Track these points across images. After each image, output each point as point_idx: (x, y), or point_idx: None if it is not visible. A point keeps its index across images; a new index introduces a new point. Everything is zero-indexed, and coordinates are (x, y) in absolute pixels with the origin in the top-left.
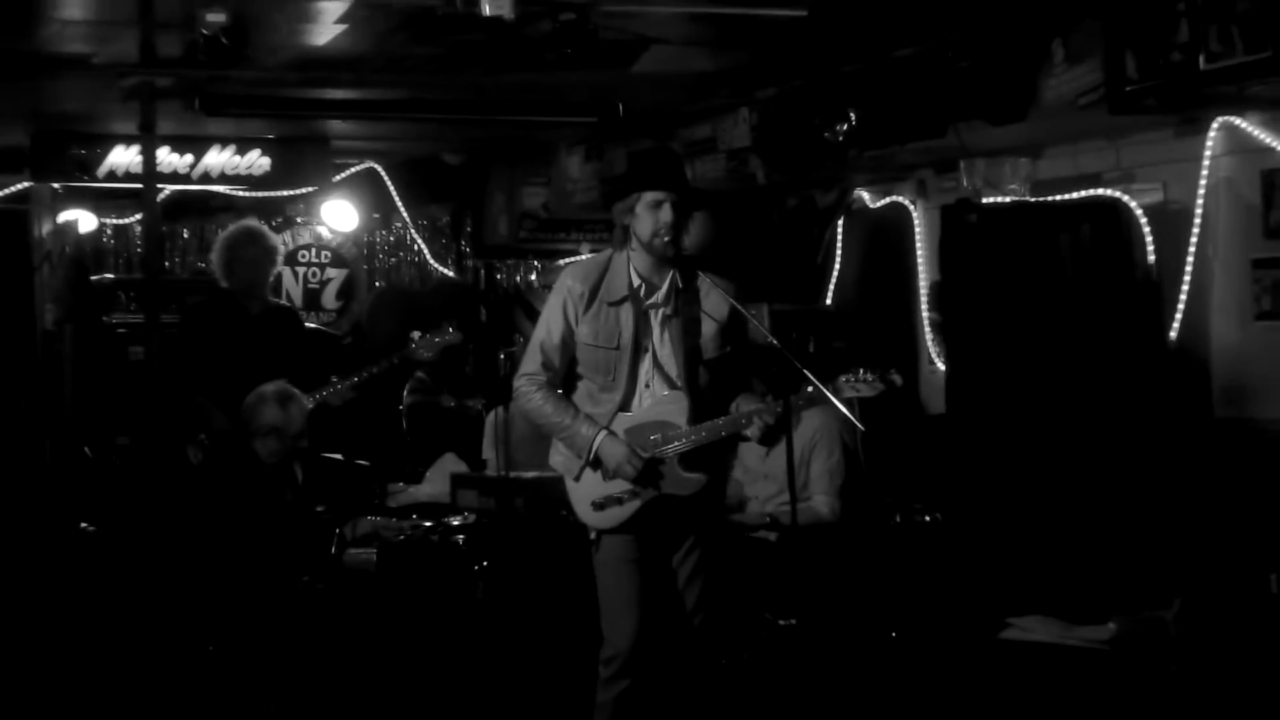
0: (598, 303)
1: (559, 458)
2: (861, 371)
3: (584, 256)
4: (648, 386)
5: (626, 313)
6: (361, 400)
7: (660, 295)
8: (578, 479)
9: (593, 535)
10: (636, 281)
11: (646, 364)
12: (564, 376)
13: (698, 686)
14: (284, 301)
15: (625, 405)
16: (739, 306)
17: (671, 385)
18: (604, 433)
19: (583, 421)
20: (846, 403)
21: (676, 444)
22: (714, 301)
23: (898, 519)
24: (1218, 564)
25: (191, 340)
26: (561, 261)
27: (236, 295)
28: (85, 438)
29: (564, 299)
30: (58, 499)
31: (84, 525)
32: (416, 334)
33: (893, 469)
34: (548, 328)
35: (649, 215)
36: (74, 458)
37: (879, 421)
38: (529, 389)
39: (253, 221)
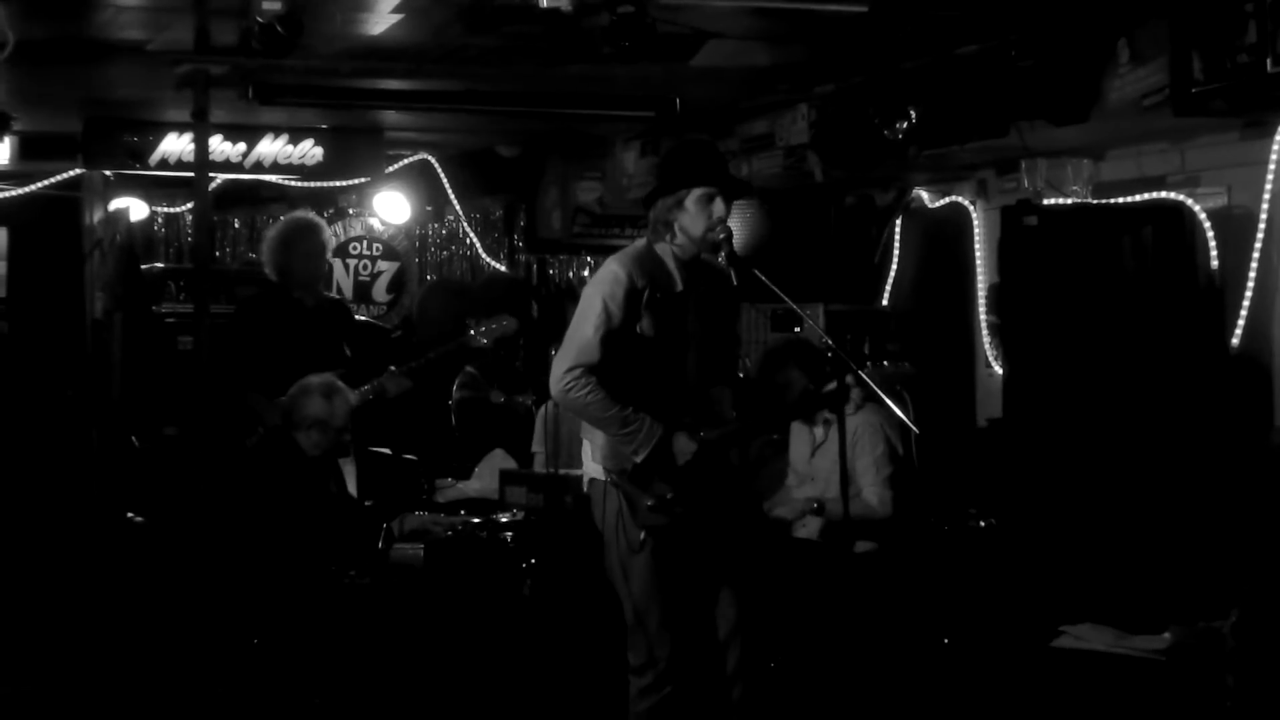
0: (655, 296)
1: (600, 455)
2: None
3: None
4: (694, 378)
5: (679, 306)
6: (412, 394)
7: (701, 288)
8: (633, 478)
9: (641, 535)
10: (679, 274)
11: (694, 356)
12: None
13: (736, 693)
14: (334, 294)
15: (673, 398)
16: (735, 297)
17: (716, 376)
18: (670, 428)
19: (644, 417)
20: (897, 401)
21: (722, 431)
22: (733, 292)
23: (951, 524)
24: (1277, 575)
25: (246, 334)
26: None
27: (291, 289)
28: (133, 428)
29: (625, 291)
30: (105, 489)
31: (130, 515)
32: (472, 321)
33: (947, 473)
34: (606, 319)
35: (701, 210)
36: (122, 448)
37: (933, 425)
38: (584, 382)
39: (306, 213)
